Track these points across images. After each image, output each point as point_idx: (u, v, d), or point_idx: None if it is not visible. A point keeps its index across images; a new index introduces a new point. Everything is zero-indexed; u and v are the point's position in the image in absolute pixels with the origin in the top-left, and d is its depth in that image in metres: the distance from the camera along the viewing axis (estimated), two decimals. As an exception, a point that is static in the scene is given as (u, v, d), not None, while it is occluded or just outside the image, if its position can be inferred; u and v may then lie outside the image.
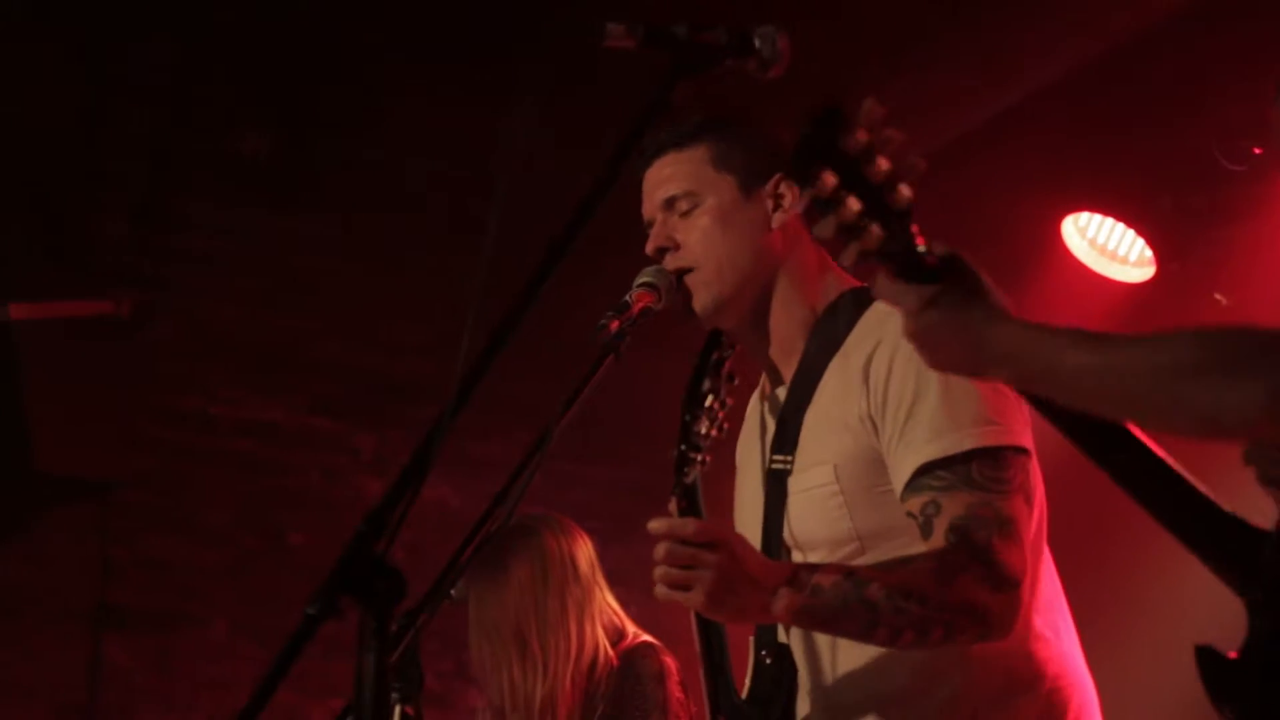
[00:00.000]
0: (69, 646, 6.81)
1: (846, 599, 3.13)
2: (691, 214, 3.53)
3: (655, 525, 3.09)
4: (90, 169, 6.78)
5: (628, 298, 3.43)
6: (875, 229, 2.41)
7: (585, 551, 4.97)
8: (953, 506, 3.22)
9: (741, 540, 3.15)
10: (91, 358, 6.59)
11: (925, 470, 3.26)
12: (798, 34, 2.91)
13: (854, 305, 3.52)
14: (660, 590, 3.08)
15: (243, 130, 6.91)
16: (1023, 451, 3.31)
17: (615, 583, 5.09)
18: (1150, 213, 6.15)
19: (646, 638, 4.93)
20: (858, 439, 3.37)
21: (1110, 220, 6.31)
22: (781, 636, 3.43)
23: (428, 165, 6.98)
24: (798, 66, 2.92)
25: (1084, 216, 6.33)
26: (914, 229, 2.45)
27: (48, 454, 6.54)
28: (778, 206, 3.56)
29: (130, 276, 6.85)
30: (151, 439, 6.94)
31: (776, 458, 3.48)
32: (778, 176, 3.56)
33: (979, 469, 3.25)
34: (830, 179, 2.37)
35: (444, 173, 6.89)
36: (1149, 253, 6.26)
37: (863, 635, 3.20)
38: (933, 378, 3.28)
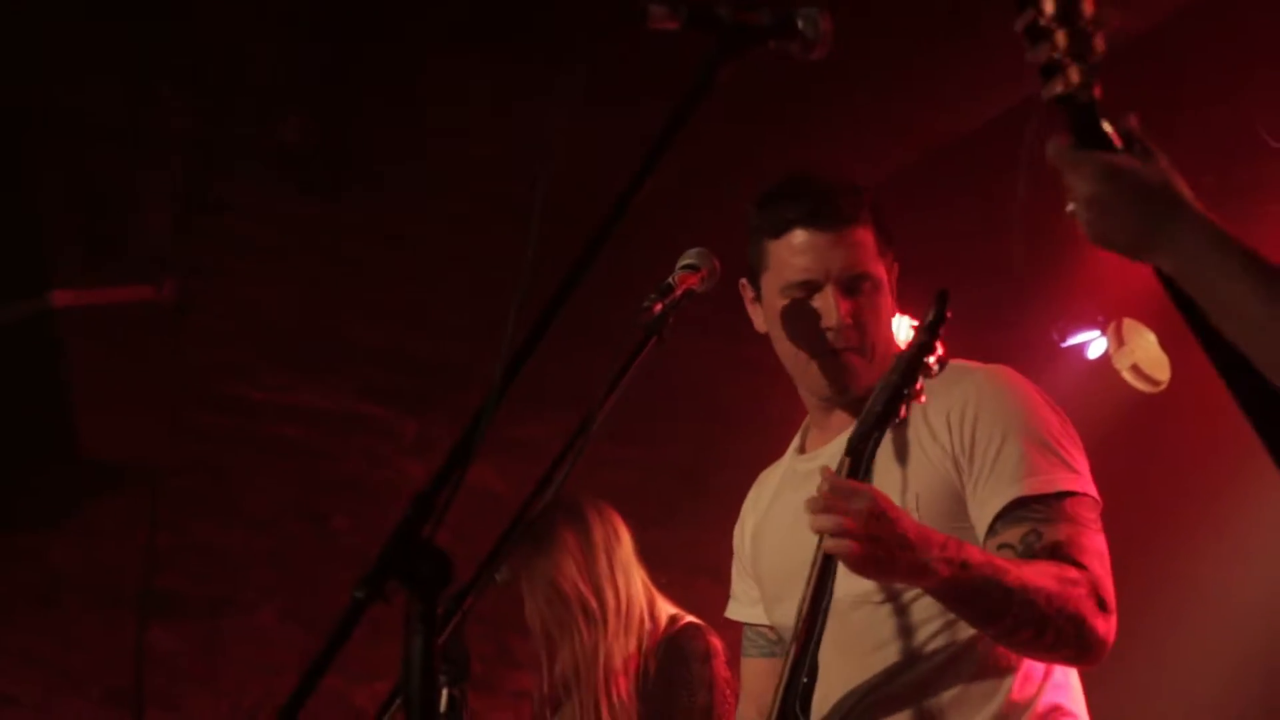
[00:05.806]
0: (116, 632, 6.83)
1: (988, 580, 3.19)
2: (872, 295, 3.58)
3: (825, 484, 3.14)
4: (132, 156, 6.79)
5: (670, 279, 3.43)
6: (1074, 71, 2.34)
7: (623, 523, 5.10)
8: (1054, 534, 3.33)
9: (892, 504, 3.17)
10: (136, 345, 6.61)
11: (1021, 504, 3.35)
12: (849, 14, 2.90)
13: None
14: (827, 541, 3.11)
15: (285, 116, 6.92)
16: (1098, 503, 3.44)
17: (656, 566, 5.11)
18: (1194, 190, 6.12)
19: (693, 619, 5.00)
20: (939, 472, 3.45)
21: (1154, 198, 6.27)
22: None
23: (470, 150, 6.98)
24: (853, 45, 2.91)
25: (1127, 195, 6.29)
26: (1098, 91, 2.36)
27: (93, 441, 6.56)
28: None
29: (173, 263, 6.86)
30: (196, 425, 6.96)
31: None
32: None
33: (1072, 507, 3.37)
34: (1050, 5, 2.31)
35: (487, 157, 6.88)
36: (1193, 231, 6.22)
37: (986, 619, 3.26)
38: (1019, 423, 3.39)
